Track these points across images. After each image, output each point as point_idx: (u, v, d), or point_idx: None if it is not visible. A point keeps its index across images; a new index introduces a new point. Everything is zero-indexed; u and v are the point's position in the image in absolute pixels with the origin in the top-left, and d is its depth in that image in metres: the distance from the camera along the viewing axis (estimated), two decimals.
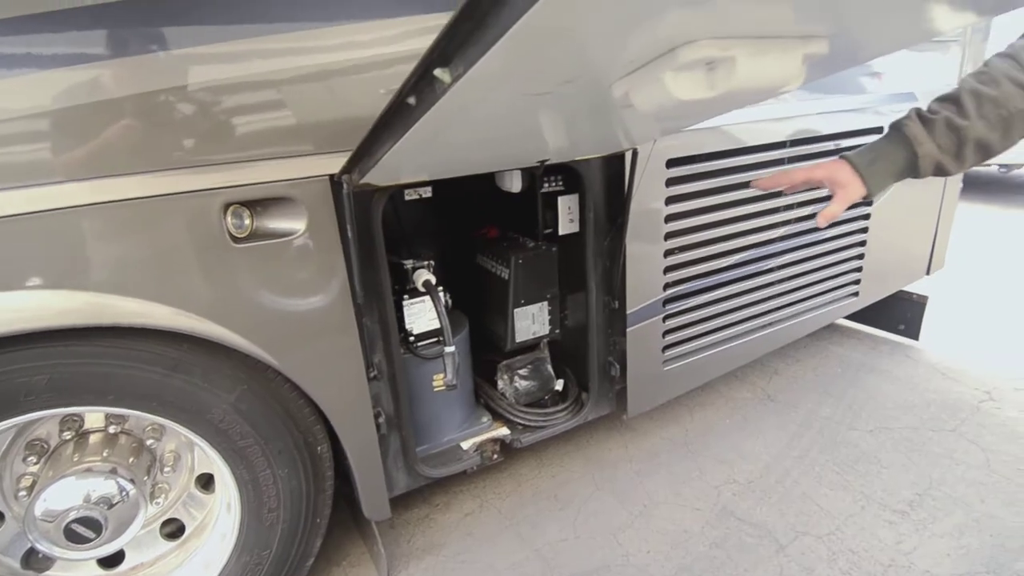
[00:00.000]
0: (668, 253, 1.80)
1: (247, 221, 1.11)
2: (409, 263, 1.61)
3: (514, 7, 0.41)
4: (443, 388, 1.63)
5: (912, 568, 1.52)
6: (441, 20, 1.15)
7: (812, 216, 2.10)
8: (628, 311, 1.76)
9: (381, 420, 1.43)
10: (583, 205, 1.70)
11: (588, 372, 1.87)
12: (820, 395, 2.35)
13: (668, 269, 1.82)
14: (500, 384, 1.95)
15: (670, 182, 1.71)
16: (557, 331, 1.90)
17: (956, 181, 2.56)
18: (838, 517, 1.70)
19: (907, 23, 0.61)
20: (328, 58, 1.10)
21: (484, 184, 1.66)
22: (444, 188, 1.52)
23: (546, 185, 1.69)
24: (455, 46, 0.51)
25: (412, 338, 1.62)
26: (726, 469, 1.94)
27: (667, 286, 1.83)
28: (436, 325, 1.62)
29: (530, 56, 0.51)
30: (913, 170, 0.85)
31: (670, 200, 1.73)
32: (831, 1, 0.52)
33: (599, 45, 0.52)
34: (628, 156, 1.54)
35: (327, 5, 1.09)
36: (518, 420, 1.85)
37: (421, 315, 1.63)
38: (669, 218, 1.75)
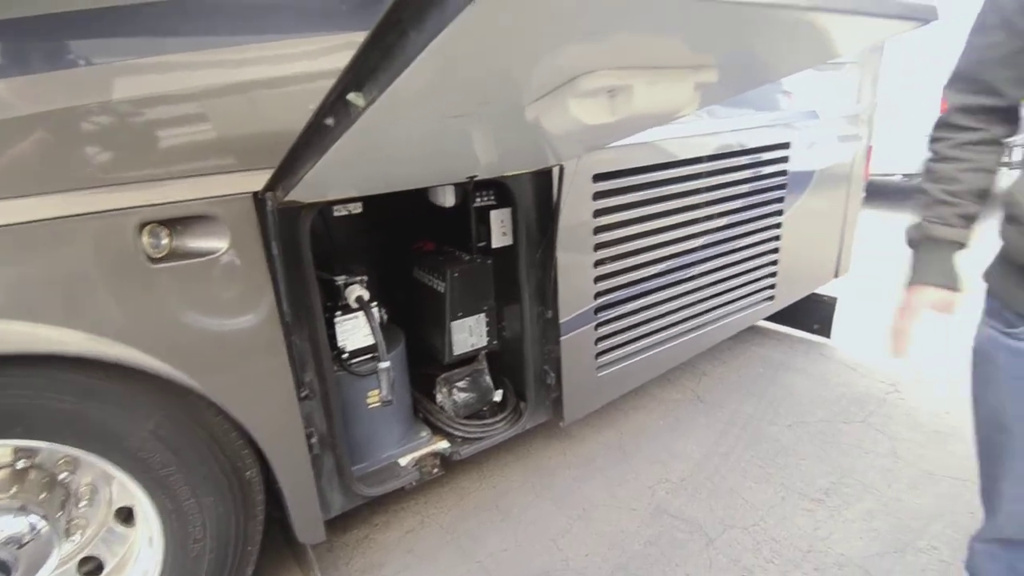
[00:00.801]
0: (598, 263, 1.87)
1: (165, 241, 1.08)
2: (341, 279, 1.59)
3: (418, 38, 0.43)
4: (379, 404, 1.62)
5: (828, 552, 1.63)
6: (362, 38, 1.17)
7: (730, 225, 2.24)
8: (561, 320, 1.81)
9: (314, 440, 1.41)
10: (515, 219, 1.74)
11: (525, 381, 1.91)
12: (744, 394, 2.49)
13: (598, 278, 1.88)
14: (439, 397, 1.95)
15: (597, 195, 1.78)
16: (495, 342, 1.93)
17: (858, 191, 2.79)
18: (761, 508, 1.81)
19: (781, 58, 0.68)
20: (249, 73, 1.09)
21: (418, 199, 1.67)
22: (377, 203, 1.52)
23: (478, 200, 1.72)
24: (366, 72, 0.52)
25: (345, 355, 1.60)
26: (659, 469, 2.02)
27: (598, 295, 1.90)
28: (371, 341, 1.61)
29: (440, 82, 0.53)
30: (962, 248, 0.99)
31: (598, 212, 1.80)
32: (711, 38, 0.58)
33: (503, 74, 0.55)
34: (556, 172, 1.60)
35: (248, 20, 1.08)
36: (458, 433, 1.86)
37: (355, 331, 1.61)
38: (597, 229, 1.82)
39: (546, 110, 0.69)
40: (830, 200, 2.66)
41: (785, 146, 2.30)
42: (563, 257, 1.73)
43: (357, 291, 1.58)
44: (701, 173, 2.04)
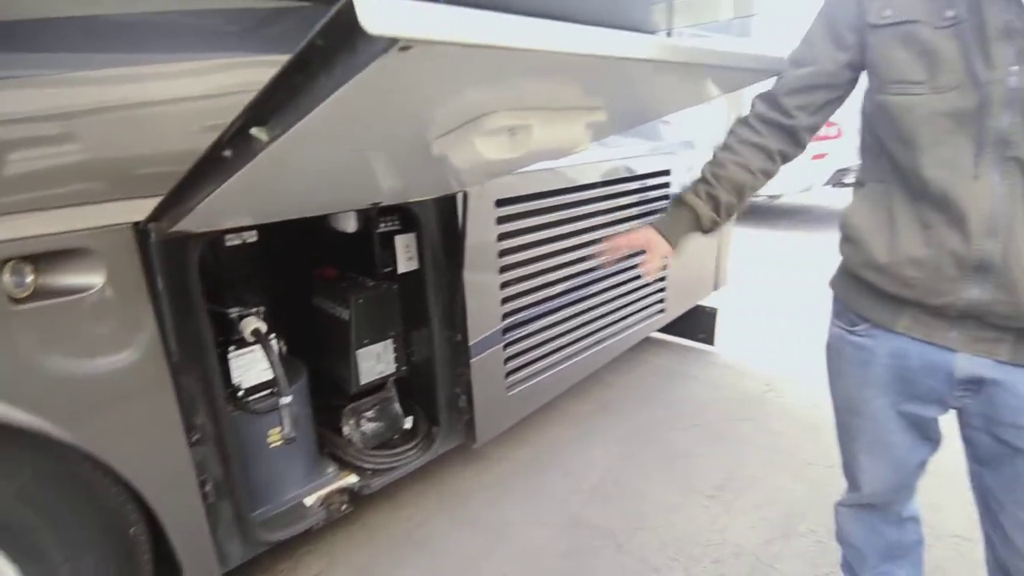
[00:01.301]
0: (504, 285, 1.91)
1: (29, 278, 0.96)
2: (235, 311, 1.50)
3: (328, 82, 0.44)
4: (281, 442, 1.53)
5: (725, 543, 1.77)
6: (247, 59, 1.14)
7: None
8: (471, 342, 1.83)
9: (208, 488, 1.30)
10: (420, 243, 1.74)
11: (436, 406, 1.90)
12: (644, 402, 2.64)
13: (505, 300, 1.93)
14: (346, 430, 1.88)
15: (500, 220, 1.83)
16: (404, 368, 1.90)
17: None
18: (666, 509, 1.92)
19: (660, 102, 0.76)
20: (129, 94, 1.01)
21: (318, 224, 1.62)
22: (273, 230, 1.46)
23: (382, 225, 1.71)
24: (271, 109, 0.52)
25: (241, 392, 1.50)
26: (572, 481, 2.08)
27: (505, 315, 1.95)
28: (270, 375, 1.53)
29: (346, 122, 0.54)
30: (698, 227, 1.12)
31: (502, 236, 1.85)
32: (598, 86, 0.64)
33: (409, 116, 0.57)
34: (460, 197, 1.63)
35: (128, 38, 1.01)
36: (367, 465, 1.80)
37: (252, 366, 1.52)
38: (502, 252, 1.87)
39: (451, 146, 0.71)
40: None
41: (667, 172, 2.50)
42: (470, 280, 1.76)
43: (253, 323, 1.50)
44: (596, 197, 2.17)
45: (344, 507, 1.71)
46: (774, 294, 4.06)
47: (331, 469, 1.78)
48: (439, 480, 2.11)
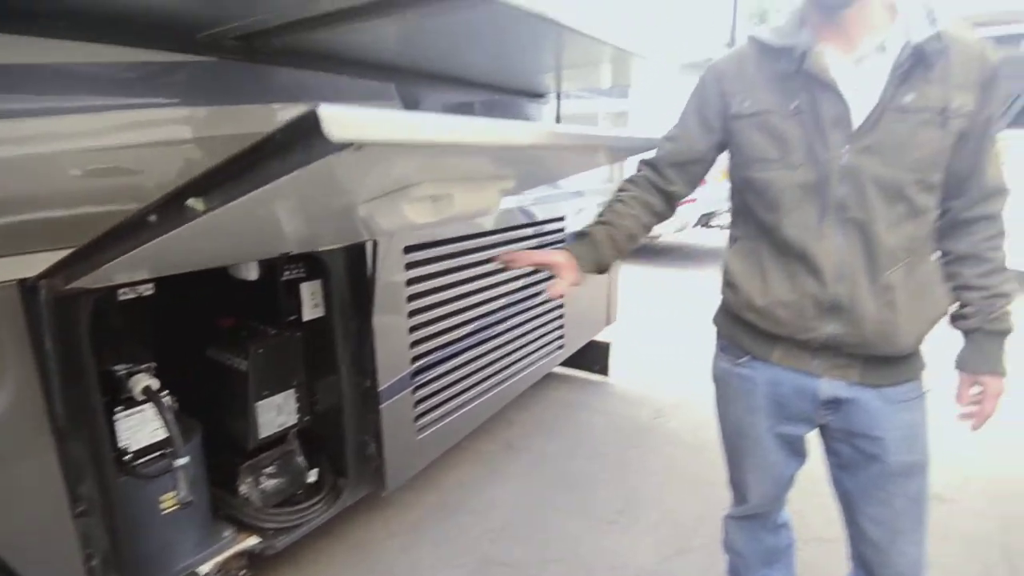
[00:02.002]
0: (413, 329, 1.94)
1: None
2: (123, 369, 1.40)
3: (280, 167, 0.49)
4: (176, 507, 1.42)
5: (628, 566, 1.89)
6: (140, 115, 1.12)
7: (525, 287, 2.52)
8: (380, 387, 1.83)
9: (95, 563, 1.18)
10: (327, 290, 1.73)
11: (344, 455, 1.86)
12: (547, 435, 2.75)
13: (414, 343, 1.96)
14: (243, 489, 1.77)
15: (409, 265, 1.88)
16: (307, 418, 1.84)
17: None
18: (572, 539, 2.01)
19: (559, 170, 0.87)
20: (11, 150, 0.96)
21: (215, 272, 1.56)
22: (170, 281, 1.39)
23: (287, 273, 1.68)
24: (215, 184, 0.55)
25: (129, 456, 1.39)
26: (482, 520, 2.11)
27: (414, 359, 1.97)
28: (161, 436, 1.43)
29: (283, 198, 0.58)
30: (600, 265, 1.22)
31: (410, 281, 1.90)
32: (513, 161, 0.74)
33: (344, 191, 0.62)
34: (369, 245, 1.65)
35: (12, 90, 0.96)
36: (268, 525, 1.71)
37: (141, 427, 1.41)
38: (411, 297, 1.91)
39: (377, 209, 0.77)
40: None
41: (562, 218, 2.70)
42: (380, 325, 1.77)
43: (144, 380, 1.40)
44: (499, 242, 2.29)
45: (243, 572, 1.61)
46: (658, 326, 4.42)
47: (228, 532, 1.66)
48: (346, 532, 2.04)
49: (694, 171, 1.22)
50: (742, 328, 1.21)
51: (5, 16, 0.93)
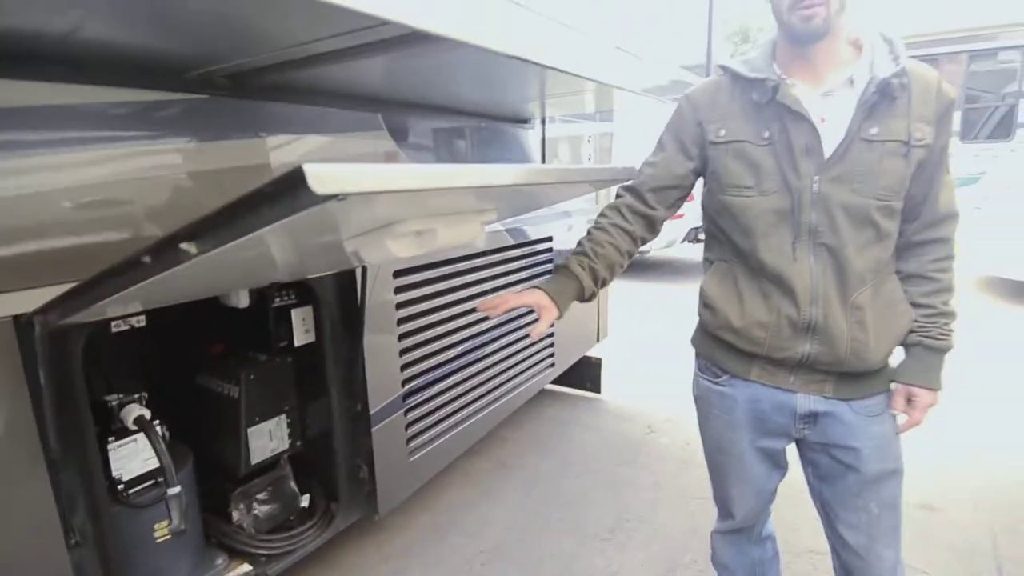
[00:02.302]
0: (403, 352, 1.97)
1: None
2: (114, 399, 1.41)
3: (269, 214, 0.52)
4: (169, 536, 1.43)
5: None
6: (130, 149, 1.15)
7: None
8: (371, 411, 1.85)
9: None
10: (318, 315, 1.76)
11: (336, 479, 1.87)
12: (540, 453, 2.76)
13: (405, 366, 1.98)
14: (236, 515, 1.78)
15: (399, 289, 1.91)
16: (299, 443, 1.86)
17: None
18: (566, 558, 2.02)
19: (539, 200, 0.91)
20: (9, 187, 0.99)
21: (205, 300, 1.59)
22: (162, 311, 1.42)
23: (278, 300, 1.71)
24: (207, 229, 0.58)
25: (122, 486, 1.40)
26: (475, 541, 2.12)
27: (405, 381, 1.99)
28: (152, 465, 1.44)
29: (273, 241, 0.62)
30: (581, 295, 1.25)
31: (400, 305, 1.93)
32: (494, 196, 0.78)
33: (330, 233, 0.66)
34: (359, 272, 1.69)
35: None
36: (261, 551, 1.72)
37: (133, 457, 1.43)
38: (401, 320, 1.94)
39: (362, 244, 0.81)
40: None
41: (550, 239, 2.74)
42: (370, 349, 1.80)
43: (136, 411, 1.42)
44: (487, 264, 2.33)
45: None
46: (650, 341, 4.46)
47: (220, 560, 1.67)
48: (338, 558, 2.04)
49: (673, 195, 1.27)
50: (721, 348, 1.25)
51: (6, 62, 0.97)
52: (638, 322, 4.95)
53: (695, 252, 7.89)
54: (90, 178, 1.10)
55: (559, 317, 1.22)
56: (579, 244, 1.27)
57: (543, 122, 2.46)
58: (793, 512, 1.91)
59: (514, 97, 1.86)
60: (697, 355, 1.34)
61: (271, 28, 0.92)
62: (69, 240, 1.09)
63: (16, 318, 0.99)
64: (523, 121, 2.35)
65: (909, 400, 1.17)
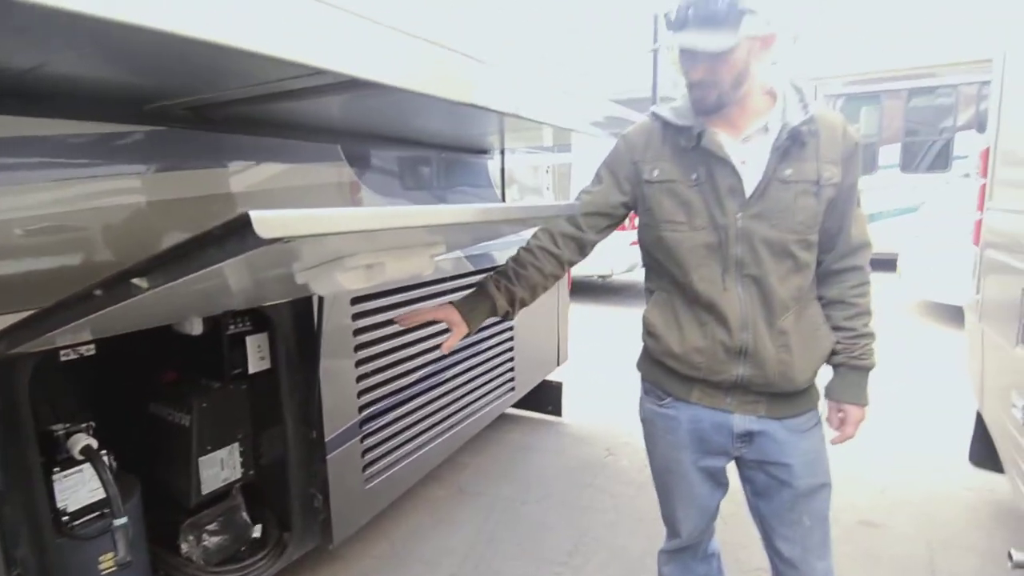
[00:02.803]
0: (360, 378, 1.98)
1: None
2: (61, 429, 1.38)
3: (216, 254, 0.56)
4: (115, 569, 1.40)
5: None
6: (87, 179, 1.17)
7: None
8: (327, 438, 1.84)
9: None
10: (273, 343, 1.76)
11: (290, 508, 1.85)
12: (500, 479, 2.78)
13: (361, 392, 1.99)
14: (185, 547, 1.74)
15: (356, 316, 1.93)
16: (251, 472, 1.84)
17: (565, 294, 3.48)
18: None
19: (488, 234, 0.97)
20: None
21: (157, 328, 1.58)
22: (112, 339, 1.41)
23: (232, 327, 1.71)
24: (158, 266, 0.62)
25: (67, 517, 1.36)
26: (432, 570, 2.11)
27: (362, 408, 2.00)
28: (99, 496, 1.41)
29: (222, 277, 0.65)
30: (495, 313, 1.32)
31: (358, 331, 1.95)
32: (441, 232, 0.83)
33: (278, 268, 0.70)
34: (315, 299, 1.71)
35: None
36: None
37: (79, 487, 1.40)
38: (359, 347, 1.96)
39: (313, 277, 0.84)
40: (546, 302, 3.27)
41: (498, 266, 2.79)
42: (326, 375, 1.81)
43: (83, 440, 1.39)
44: (448, 290, 2.36)
45: None
46: (612, 363, 4.54)
47: None
48: None
49: (604, 222, 1.34)
50: (664, 372, 1.32)
51: None
52: (601, 344, 5.05)
53: None
54: (46, 207, 1.10)
55: (469, 333, 1.28)
56: (504, 264, 1.35)
57: (502, 153, 2.55)
58: (743, 532, 1.98)
59: (473, 131, 1.94)
60: (643, 379, 1.41)
61: (220, 70, 0.96)
62: (18, 268, 1.08)
63: None
64: (483, 151, 2.43)
65: (841, 417, 1.28)
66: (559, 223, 1.36)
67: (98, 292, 0.71)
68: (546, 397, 3.41)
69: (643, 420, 1.42)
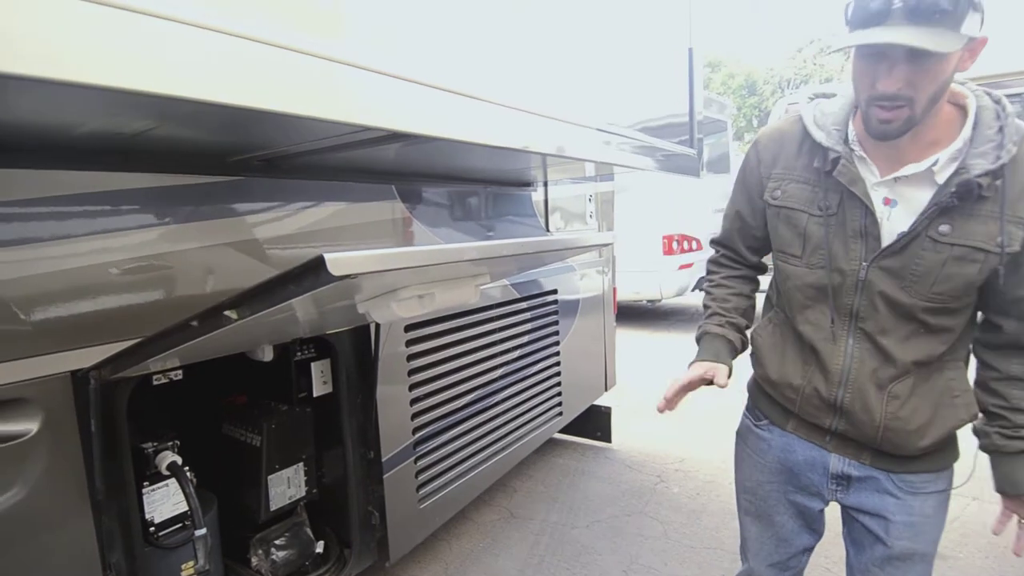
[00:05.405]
0: (414, 401, 2.08)
1: None
2: (150, 446, 1.54)
3: (296, 290, 0.67)
4: None
5: None
6: (164, 229, 1.33)
7: (522, 356, 2.67)
8: (383, 458, 1.95)
9: None
10: (335, 368, 1.90)
11: (349, 526, 1.95)
12: (549, 503, 2.80)
13: (415, 415, 2.09)
14: (254, 561, 1.86)
15: (409, 342, 2.04)
16: (315, 491, 1.95)
17: (611, 318, 3.50)
18: None
19: (537, 264, 1.05)
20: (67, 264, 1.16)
21: (233, 355, 1.74)
22: (194, 365, 1.56)
23: (299, 354, 1.85)
24: (246, 300, 0.73)
25: (154, 527, 1.51)
26: None
27: (415, 430, 2.10)
28: (181, 509, 1.55)
29: (299, 310, 0.76)
30: (734, 352, 1.22)
31: (411, 357, 2.06)
32: (489, 265, 0.92)
33: (345, 298, 0.80)
34: (373, 326, 1.83)
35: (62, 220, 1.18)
36: None
37: (164, 501, 1.54)
38: (412, 372, 2.07)
39: (372, 307, 0.95)
40: (593, 328, 3.31)
41: (555, 291, 2.88)
42: (382, 399, 1.92)
43: (169, 457, 1.54)
44: (495, 317, 2.46)
45: None
46: (660, 390, 4.48)
47: None
48: None
49: (757, 241, 1.25)
50: (763, 395, 1.25)
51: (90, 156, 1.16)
52: (650, 371, 5.00)
53: None
54: (143, 251, 1.27)
55: (730, 374, 1.18)
56: (705, 308, 1.28)
57: (545, 185, 2.65)
58: None
59: (516, 167, 2.05)
60: (749, 397, 1.32)
61: (286, 129, 1.10)
62: (119, 303, 1.25)
63: (74, 373, 1.14)
64: (527, 184, 2.53)
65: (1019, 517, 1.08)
66: (722, 252, 1.30)
67: (194, 323, 0.83)
68: (595, 423, 3.42)
69: (737, 433, 1.33)
